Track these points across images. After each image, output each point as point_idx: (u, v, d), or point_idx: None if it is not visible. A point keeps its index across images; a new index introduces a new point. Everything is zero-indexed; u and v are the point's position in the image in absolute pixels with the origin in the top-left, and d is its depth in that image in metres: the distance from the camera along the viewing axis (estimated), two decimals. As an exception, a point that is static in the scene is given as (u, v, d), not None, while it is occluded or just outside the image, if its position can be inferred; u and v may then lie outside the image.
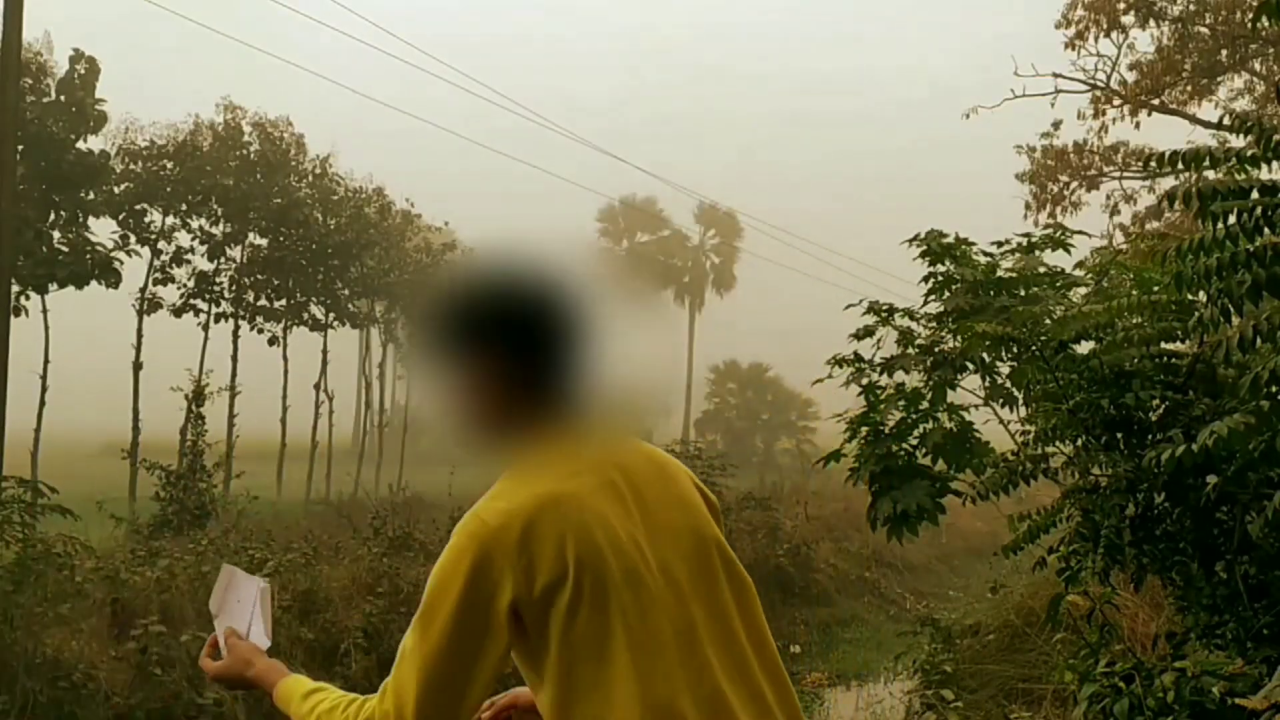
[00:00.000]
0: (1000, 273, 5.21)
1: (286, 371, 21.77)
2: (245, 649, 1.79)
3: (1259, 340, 2.75)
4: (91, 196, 17.58)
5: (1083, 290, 4.97)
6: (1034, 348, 3.84)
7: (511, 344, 1.56)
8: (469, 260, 1.52)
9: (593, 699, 1.43)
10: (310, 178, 21.71)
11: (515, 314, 1.57)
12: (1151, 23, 18.26)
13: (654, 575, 1.48)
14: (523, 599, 1.42)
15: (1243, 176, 2.87)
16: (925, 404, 5.15)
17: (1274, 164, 2.91)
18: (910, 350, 5.27)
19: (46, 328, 16.95)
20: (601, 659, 1.43)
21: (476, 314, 1.58)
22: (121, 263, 17.48)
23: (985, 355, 4.80)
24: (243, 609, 1.85)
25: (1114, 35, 18.63)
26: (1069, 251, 5.38)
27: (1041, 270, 5.18)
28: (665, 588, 1.48)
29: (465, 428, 1.60)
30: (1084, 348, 4.05)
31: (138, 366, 18.61)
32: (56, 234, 16.79)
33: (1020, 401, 4.89)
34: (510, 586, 1.41)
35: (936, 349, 5.20)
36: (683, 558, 1.53)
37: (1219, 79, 18.51)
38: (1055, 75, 18.88)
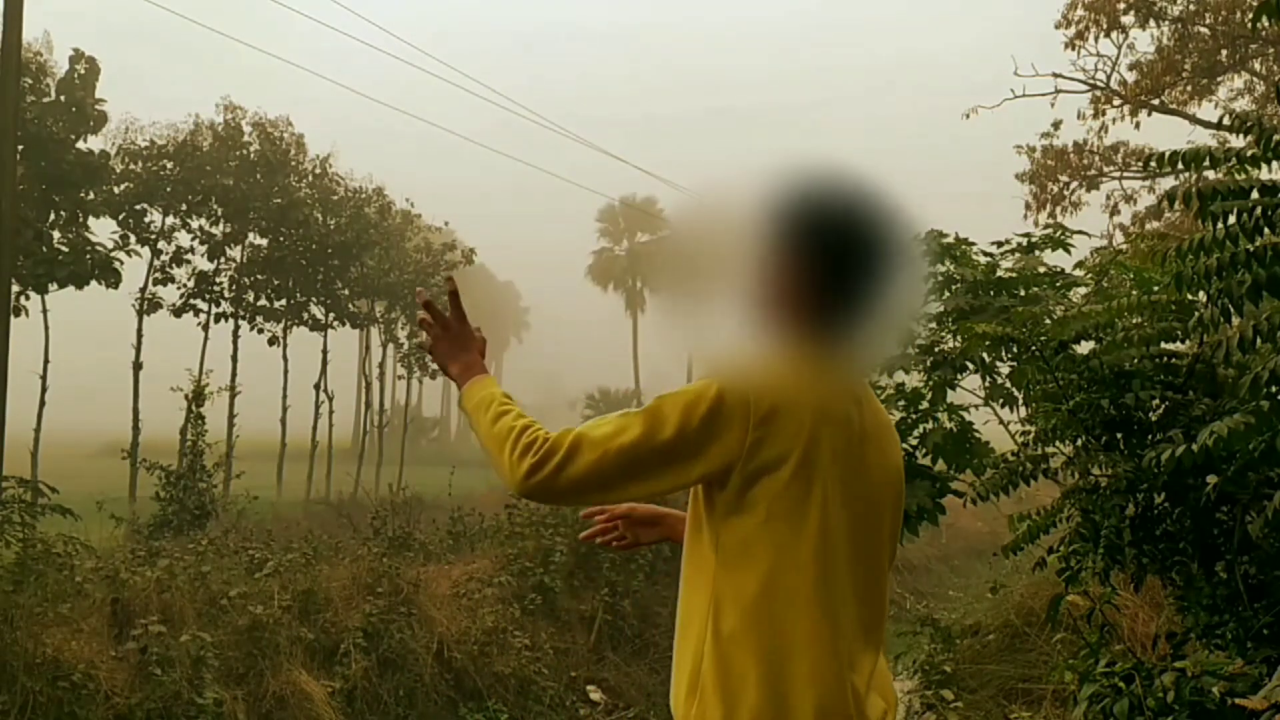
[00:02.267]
0: (1000, 273, 5.21)
1: (286, 371, 21.79)
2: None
3: (1259, 340, 2.75)
4: (91, 196, 17.59)
5: (1083, 290, 4.96)
6: (1034, 348, 3.84)
7: (855, 254, 1.61)
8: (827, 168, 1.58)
9: (754, 567, 1.54)
10: (310, 178, 21.72)
11: (873, 229, 1.62)
12: (1151, 23, 18.25)
13: (851, 505, 1.58)
14: (737, 465, 1.53)
15: (1243, 176, 2.87)
16: (925, 404, 5.15)
17: (1274, 164, 2.91)
18: (910, 350, 5.27)
19: (46, 328, 16.98)
20: (779, 545, 1.54)
21: (844, 213, 1.62)
22: (121, 263, 17.49)
23: (985, 355, 4.79)
24: None
25: (1114, 35, 18.63)
26: (1069, 251, 5.37)
27: (1041, 270, 5.17)
28: (852, 521, 1.59)
29: (759, 310, 1.66)
30: (1084, 348, 4.05)
31: (138, 366, 18.62)
32: (56, 234, 16.79)
33: (1020, 401, 4.89)
34: (738, 450, 1.52)
35: (936, 349, 5.19)
36: (876, 528, 1.64)
37: (1219, 79, 18.49)
38: (1055, 75, 18.88)
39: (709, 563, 1.58)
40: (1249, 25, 15.34)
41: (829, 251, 1.61)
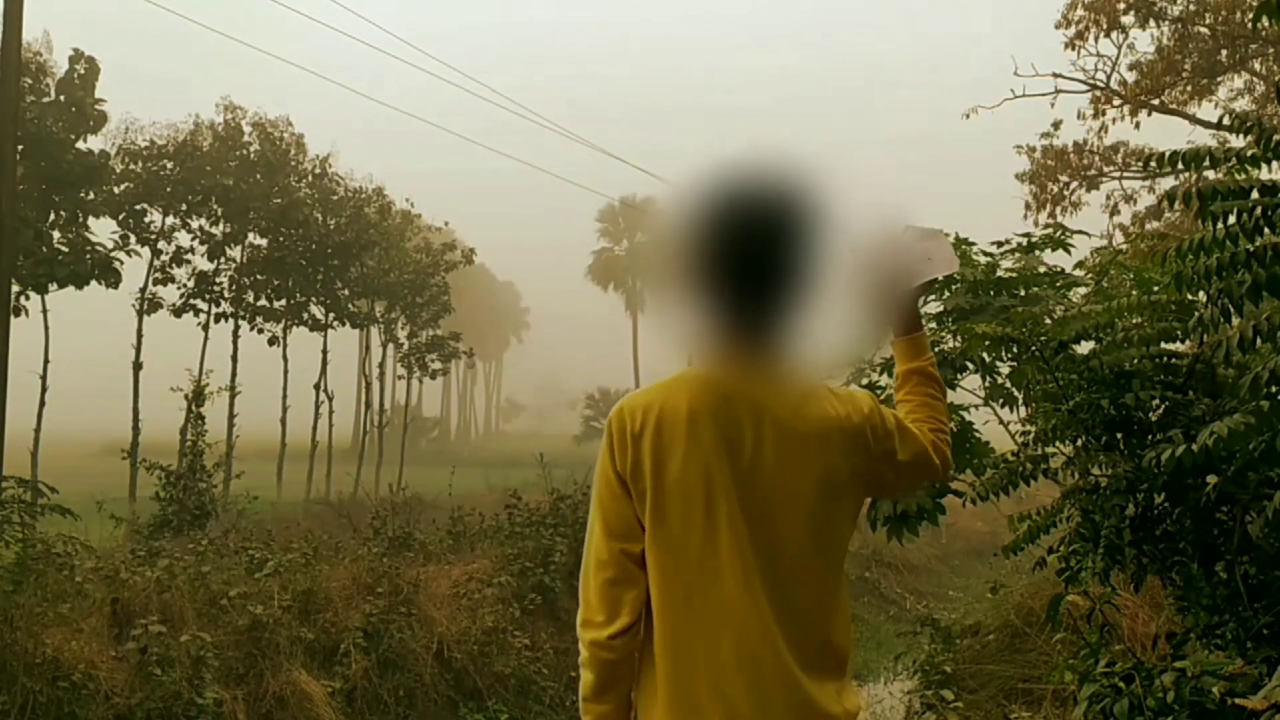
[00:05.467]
0: (1000, 273, 5.20)
1: (286, 371, 21.79)
2: None
3: (1259, 340, 2.75)
4: (91, 196, 17.59)
5: (1083, 290, 4.96)
6: (1034, 348, 3.84)
7: (741, 246, 1.61)
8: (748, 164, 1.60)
9: (656, 579, 1.62)
10: (310, 178, 21.72)
11: (763, 220, 1.62)
12: (1151, 23, 18.24)
13: (709, 513, 1.58)
14: (625, 472, 1.63)
15: (1243, 176, 2.87)
16: (925, 404, 5.14)
17: (1274, 164, 2.91)
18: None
19: (46, 328, 16.98)
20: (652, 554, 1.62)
21: (732, 205, 1.63)
22: (121, 263, 17.50)
23: (985, 355, 4.79)
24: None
25: (1114, 35, 18.62)
26: (1069, 251, 5.37)
27: (1041, 270, 5.17)
28: (716, 528, 1.58)
29: (681, 308, 1.69)
30: (1084, 348, 4.05)
31: (138, 366, 18.62)
32: (56, 234, 16.79)
33: (1020, 402, 4.89)
34: (626, 469, 1.62)
35: (936, 349, 5.19)
36: (783, 529, 1.61)
37: (1219, 79, 18.49)
38: (1055, 75, 18.87)
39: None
40: (1249, 25, 15.34)
41: (722, 246, 1.61)
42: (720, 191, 1.63)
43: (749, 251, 1.61)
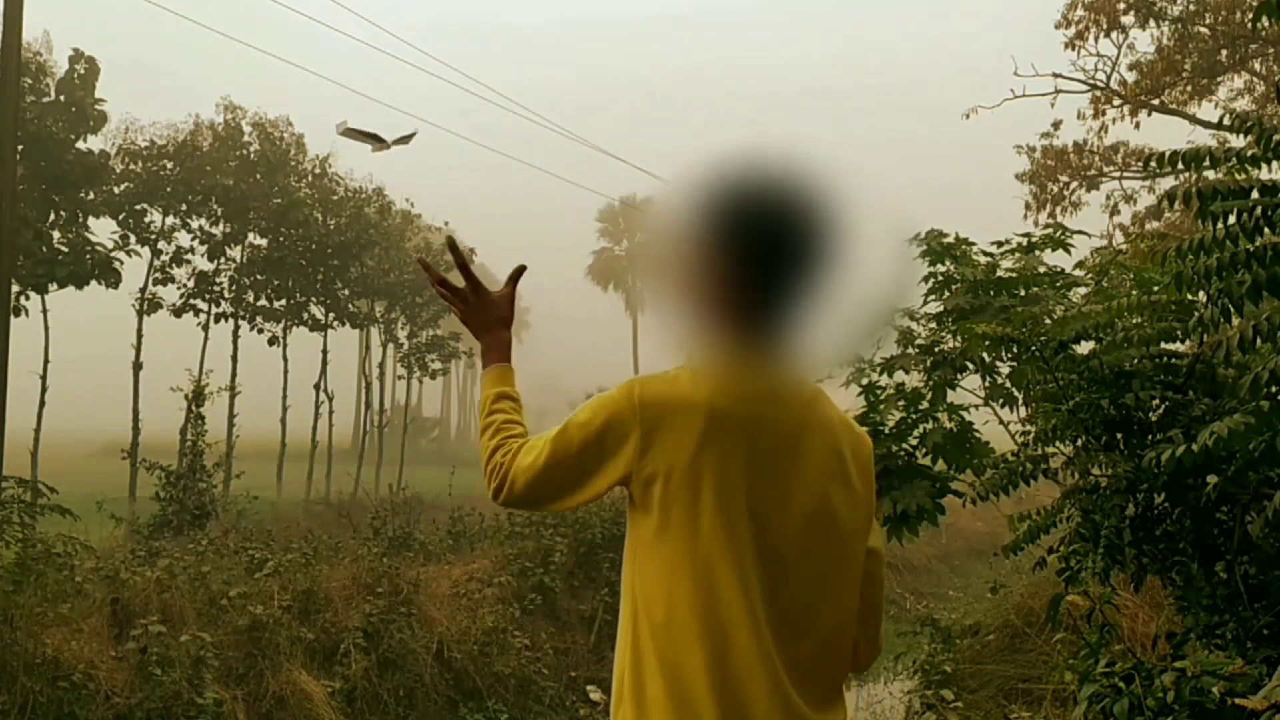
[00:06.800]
0: (1000, 273, 5.21)
1: (286, 371, 21.79)
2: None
3: (1259, 340, 2.75)
4: (91, 196, 17.59)
5: (1083, 290, 4.97)
6: (1034, 348, 3.84)
7: (768, 247, 1.56)
8: (754, 158, 1.52)
9: (658, 576, 1.52)
10: (310, 178, 21.71)
11: (789, 221, 1.56)
12: (1151, 23, 18.25)
13: (747, 525, 1.50)
14: (635, 472, 1.54)
15: (1243, 176, 2.87)
16: (925, 404, 5.15)
17: (1274, 164, 2.91)
18: (910, 350, 5.27)
19: (46, 328, 16.96)
20: (678, 554, 1.51)
21: (758, 204, 1.57)
22: (121, 263, 17.50)
23: (985, 355, 4.79)
24: None
25: (1114, 35, 18.63)
26: (1069, 251, 5.38)
27: (1041, 270, 5.18)
28: (751, 541, 1.51)
29: (687, 308, 1.63)
30: (1084, 348, 4.05)
31: (138, 366, 18.62)
32: (56, 234, 16.79)
33: (1020, 402, 4.89)
34: (632, 457, 1.54)
35: (936, 349, 5.19)
36: (789, 534, 1.54)
37: (1219, 79, 18.49)
38: (1055, 75, 18.88)
39: (630, 572, 1.56)
40: (1249, 25, 15.35)
41: (746, 246, 1.56)
42: (745, 189, 1.57)
43: (778, 255, 1.56)
